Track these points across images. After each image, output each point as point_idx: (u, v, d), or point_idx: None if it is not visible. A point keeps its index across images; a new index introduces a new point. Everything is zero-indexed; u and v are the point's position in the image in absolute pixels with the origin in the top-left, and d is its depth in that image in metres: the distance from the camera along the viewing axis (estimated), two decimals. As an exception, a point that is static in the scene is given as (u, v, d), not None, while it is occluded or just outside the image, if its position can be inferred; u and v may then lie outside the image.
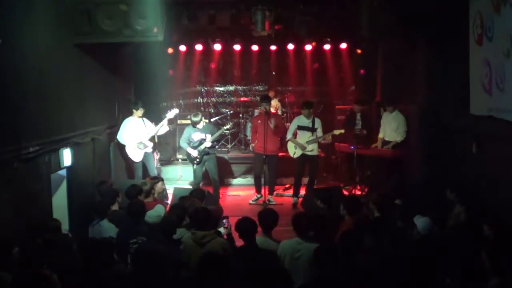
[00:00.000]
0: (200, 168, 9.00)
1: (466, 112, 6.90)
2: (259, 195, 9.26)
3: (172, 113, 8.99)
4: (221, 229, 5.42)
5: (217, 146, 9.44)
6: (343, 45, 11.75)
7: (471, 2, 6.74)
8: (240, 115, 12.26)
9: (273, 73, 12.95)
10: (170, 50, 11.85)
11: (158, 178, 7.51)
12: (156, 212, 5.57)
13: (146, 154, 8.82)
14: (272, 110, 10.46)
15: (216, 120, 12.14)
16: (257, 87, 13.10)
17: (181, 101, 12.82)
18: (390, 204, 5.96)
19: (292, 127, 9.19)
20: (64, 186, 6.82)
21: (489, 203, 6.01)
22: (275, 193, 9.41)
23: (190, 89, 13.03)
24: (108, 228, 5.76)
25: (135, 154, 8.71)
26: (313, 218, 5.12)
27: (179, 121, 11.20)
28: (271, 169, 9.12)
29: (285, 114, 11.79)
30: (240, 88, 13.12)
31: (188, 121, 10.53)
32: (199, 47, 11.80)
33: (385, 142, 9.10)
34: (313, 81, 12.79)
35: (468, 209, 5.69)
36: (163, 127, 8.87)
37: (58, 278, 4.04)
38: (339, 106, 11.79)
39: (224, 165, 10.66)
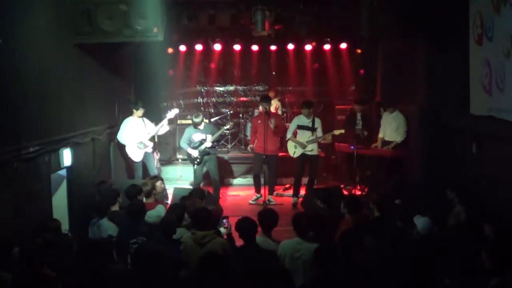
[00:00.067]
0: (201, 169, 9.00)
1: (466, 112, 6.90)
2: (258, 195, 9.26)
3: (172, 113, 9.00)
4: (222, 229, 5.42)
5: (217, 146, 9.43)
6: (343, 45, 11.75)
7: (471, 2, 6.74)
8: (240, 115, 12.26)
9: (273, 73, 12.94)
10: (170, 50, 11.85)
11: (157, 178, 7.51)
12: (156, 212, 5.58)
13: (146, 154, 8.82)
14: (272, 110, 10.46)
15: (216, 120, 12.14)
16: (257, 87, 13.09)
17: (181, 101, 12.81)
18: (390, 204, 5.96)
19: (292, 126, 9.19)
20: (64, 186, 6.82)
21: (489, 203, 6.01)
22: (275, 193, 9.41)
23: (190, 89, 13.03)
24: (107, 227, 5.76)
25: (135, 154, 8.71)
26: (313, 218, 5.12)
27: (179, 121, 11.20)
28: (271, 169, 9.12)
29: (285, 114, 11.78)
30: (240, 88, 13.12)
31: (188, 121, 10.56)
32: (199, 47, 11.80)
33: (385, 142, 9.10)
34: (313, 81, 12.78)
35: (468, 209, 5.70)
36: (163, 127, 8.87)
37: (58, 278, 4.04)
38: (339, 106, 11.79)
39: (224, 165, 10.65)
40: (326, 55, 12.16)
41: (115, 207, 6.27)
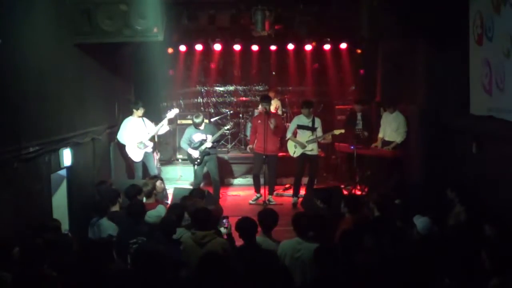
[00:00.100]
0: (201, 169, 9.00)
1: (466, 112, 6.90)
2: (258, 195, 9.27)
3: (172, 113, 9.00)
4: (222, 229, 5.43)
5: (217, 147, 9.42)
6: (343, 45, 11.75)
7: (471, 2, 6.74)
8: (240, 115, 12.26)
9: (273, 73, 12.94)
10: (170, 50, 11.85)
11: (157, 177, 7.51)
12: (156, 212, 5.58)
13: (146, 154, 8.82)
14: (272, 110, 10.47)
15: (216, 120, 12.14)
16: (257, 87, 13.09)
17: (181, 101, 12.81)
18: (390, 204, 5.96)
19: (292, 126, 9.20)
20: (64, 186, 6.82)
21: (489, 203, 6.01)
22: (275, 193, 9.41)
23: (190, 89, 13.03)
24: (107, 227, 5.76)
25: (135, 154, 8.71)
26: (313, 218, 5.12)
27: (179, 121, 11.20)
28: (271, 169, 9.12)
29: (285, 114, 11.79)
30: (240, 88, 13.12)
31: (188, 121, 10.56)
32: (199, 47, 11.80)
33: (385, 142, 9.10)
34: (313, 81, 12.78)
35: (468, 209, 5.70)
36: (163, 127, 8.87)
37: (58, 278, 4.04)
38: (339, 106, 11.79)
39: (224, 165, 10.65)
40: (326, 55, 12.16)
41: (116, 208, 6.27)
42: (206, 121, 9.71)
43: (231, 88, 13.13)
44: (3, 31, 5.13)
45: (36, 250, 4.21)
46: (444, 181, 6.77)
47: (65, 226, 6.17)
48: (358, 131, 9.40)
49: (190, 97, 13.02)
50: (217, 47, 11.69)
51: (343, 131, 8.95)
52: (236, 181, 10.93)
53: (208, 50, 12.03)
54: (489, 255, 3.82)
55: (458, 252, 4.12)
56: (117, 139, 8.73)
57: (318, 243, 4.52)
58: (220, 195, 9.27)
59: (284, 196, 9.66)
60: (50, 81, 6.33)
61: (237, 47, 11.86)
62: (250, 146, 9.43)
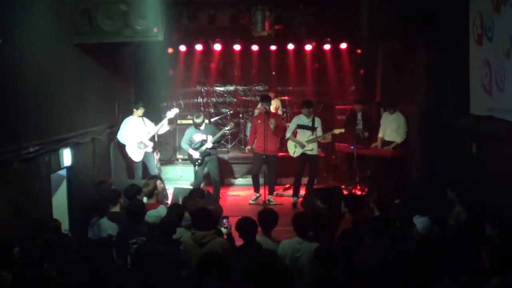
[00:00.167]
0: (202, 169, 9.00)
1: (466, 112, 6.90)
2: (258, 194, 9.28)
3: (172, 112, 9.00)
4: (222, 229, 5.43)
5: (217, 147, 9.42)
6: (343, 45, 11.75)
7: (471, 2, 6.74)
8: (240, 115, 12.26)
9: (273, 73, 12.94)
10: (170, 50, 11.85)
11: (156, 177, 7.51)
12: (156, 212, 5.57)
13: (146, 154, 8.82)
14: (272, 110, 10.47)
15: (216, 120, 12.14)
16: (257, 87, 13.09)
17: (181, 101, 12.81)
18: (390, 204, 5.96)
19: (291, 126, 9.20)
20: (64, 186, 6.82)
21: (489, 203, 6.01)
22: (275, 193, 9.41)
23: (190, 89, 13.02)
24: (107, 226, 5.76)
25: (135, 154, 8.72)
26: (313, 218, 5.12)
27: (179, 121, 11.21)
28: (271, 169, 9.12)
29: (285, 114, 11.79)
30: (240, 88, 13.12)
31: (188, 121, 10.57)
32: (199, 47, 11.80)
33: (385, 142, 9.10)
34: (313, 81, 12.78)
35: (468, 209, 5.70)
36: (163, 127, 8.88)
37: (58, 277, 4.04)
38: (339, 106, 11.79)
39: (224, 165, 10.65)
40: (326, 55, 12.16)
41: (116, 208, 6.26)
42: (206, 121, 9.71)
43: (231, 88, 13.13)
44: (3, 31, 5.13)
45: (36, 250, 4.21)
46: (444, 181, 6.77)
47: (65, 226, 6.18)
48: (358, 131, 9.40)
49: (190, 97, 13.02)
50: (217, 47, 11.69)
51: (343, 130, 8.96)
52: (236, 181, 10.93)
53: (208, 50, 12.03)
54: (489, 255, 3.82)
55: (458, 252, 4.12)
56: (117, 139, 8.73)
57: (318, 243, 4.52)
58: (220, 195, 9.27)
59: (284, 196, 9.66)
60: (50, 81, 6.33)
61: (237, 47, 11.86)
62: (249, 147, 9.44)
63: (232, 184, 10.81)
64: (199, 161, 8.84)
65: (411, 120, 8.73)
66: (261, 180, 9.31)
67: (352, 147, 9.12)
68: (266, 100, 9.21)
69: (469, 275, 3.81)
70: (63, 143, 6.54)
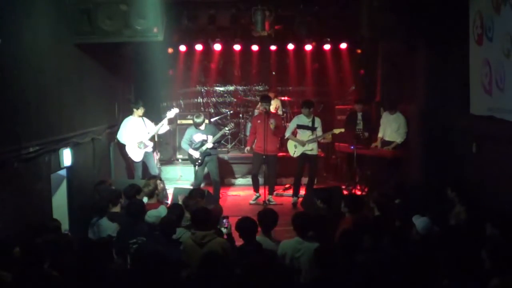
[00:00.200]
0: (202, 169, 9.00)
1: (466, 112, 6.89)
2: (257, 194, 9.28)
3: (172, 112, 9.00)
4: (223, 229, 5.43)
5: (218, 147, 9.42)
6: (343, 45, 11.73)
7: (471, 2, 6.73)
8: (240, 115, 12.26)
9: (273, 73, 12.93)
10: (170, 50, 11.85)
11: (156, 177, 7.51)
12: (156, 212, 5.57)
13: (146, 154, 8.83)
14: (272, 110, 10.47)
15: (216, 120, 12.14)
16: (257, 87, 13.09)
17: (181, 101, 12.81)
18: (391, 204, 5.96)
19: (291, 125, 9.20)
20: (64, 186, 6.83)
21: (490, 203, 6.00)
22: (275, 193, 9.41)
23: (190, 89, 13.02)
24: (107, 227, 5.76)
25: (135, 154, 8.72)
26: (313, 218, 5.12)
27: (179, 121, 11.21)
28: (271, 169, 9.12)
29: (285, 114, 11.79)
30: (240, 88, 13.12)
31: (188, 121, 10.57)
32: (199, 47, 11.79)
33: (385, 142, 9.10)
34: (313, 81, 12.78)
35: (469, 209, 5.69)
36: (163, 127, 8.88)
37: (58, 277, 4.04)
38: (339, 106, 11.79)
39: (224, 165, 10.65)
40: (326, 55, 12.14)
41: (117, 209, 6.25)
42: (207, 121, 9.71)
43: (231, 88, 13.13)
44: (3, 31, 5.13)
45: (36, 250, 4.21)
46: (444, 181, 6.76)
47: (65, 226, 6.18)
48: (358, 131, 9.40)
49: (190, 97, 13.02)
50: (217, 47, 11.68)
51: (343, 130, 8.96)
52: (236, 181, 10.93)
53: (208, 50, 12.02)
54: (489, 255, 3.82)
55: (458, 252, 4.11)
56: (117, 138, 8.73)
57: (318, 243, 4.53)
58: (220, 195, 9.27)
59: (284, 196, 9.66)
60: (50, 81, 6.33)
61: (237, 47, 11.85)
62: (248, 148, 9.43)
63: (232, 184, 10.81)
64: (199, 161, 8.84)
65: (411, 120, 8.73)
66: (261, 180, 9.31)
67: (352, 147, 9.13)
68: (266, 100, 9.21)
69: (469, 275, 3.80)
70: (63, 143, 6.54)
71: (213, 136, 8.81)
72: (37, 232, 5.01)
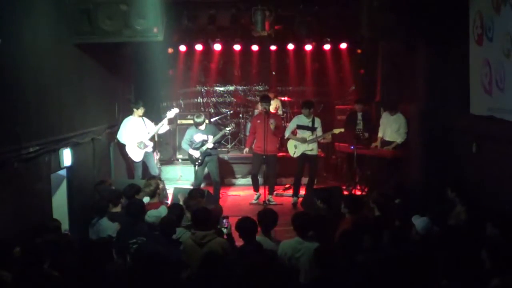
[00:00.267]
0: (202, 169, 9.00)
1: (466, 112, 6.90)
2: (258, 194, 9.28)
3: (172, 112, 9.01)
4: (224, 229, 5.43)
5: (218, 148, 9.41)
6: (343, 45, 11.73)
7: (471, 2, 6.74)
8: (240, 115, 12.26)
9: (273, 73, 12.93)
10: (170, 50, 11.84)
11: (155, 177, 7.51)
12: (156, 212, 5.57)
13: (146, 154, 8.83)
14: (272, 110, 10.47)
15: (216, 120, 12.14)
16: (257, 87, 13.09)
17: (181, 101, 12.81)
18: (391, 204, 5.96)
19: (291, 125, 9.20)
20: (64, 186, 6.83)
21: (490, 203, 6.01)
22: (275, 193, 9.41)
23: (190, 89, 13.02)
24: (107, 227, 5.76)
25: (135, 154, 8.72)
26: (313, 218, 5.12)
27: (179, 121, 11.21)
28: (271, 169, 9.12)
29: (285, 114, 11.79)
30: (240, 88, 13.11)
31: (188, 121, 10.57)
32: (199, 47, 11.78)
33: (385, 142, 9.09)
34: (313, 81, 12.77)
35: (469, 209, 5.69)
36: (163, 127, 8.89)
37: (58, 277, 4.04)
38: (339, 106, 11.80)
39: (224, 165, 10.65)
40: (326, 55, 12.14)
41: (117, 208, 6.25)
42: (207, 121, 9.71)
43: (231, 88, 13.13)
44: (3, 31, 5.13)
45: (36, 250, 4.21)
46: (444, 181, 6.76)
47: (65, 226, 6.18)
48: (359, 131, 9.40)
49: (190, 97, 13.02)
50: (217, 47, 11.68)
51: (342, 130, 8.96)
52: (236, 181, 10.93)
53: (208, 50, 12.01)
54: (490, 255, 3.82)
55: (458, 252, 4.11)
56: (117, 138, 8.73)
57: (318, 243, 4.53)
58: (220, 195, 9.27)
59: (284, 196, 9.66)
60: (50, 81, 6.33)
61: (237, 47, 11.85)
62: (247, 149, 9.43)
63: (232, 184, 10.81)
64: (200, 161, 8.84)
65: (411, 120, 8.73)
66: (261, 180, 9.31)
67: (352, 147, 9.12)
68: (266, 100, 9.21)
69: (469, 276, 3.80)
70: (63, 143, 6.54)
71: (214, 136, 8.81)
72: (37, 232, 5.01)
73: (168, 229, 5.05)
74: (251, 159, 9.55)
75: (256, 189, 9.31)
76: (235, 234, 5.02)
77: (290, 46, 11.93)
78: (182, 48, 11.89)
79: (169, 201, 7.76)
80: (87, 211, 6.47)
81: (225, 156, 11.16)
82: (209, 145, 8.77)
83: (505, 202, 5.70)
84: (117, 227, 5.72)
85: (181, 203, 6.37)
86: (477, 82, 6.60)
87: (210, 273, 3.91)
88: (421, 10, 7.26)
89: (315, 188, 8.57)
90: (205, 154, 8.82)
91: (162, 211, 5.75)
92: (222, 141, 11.08)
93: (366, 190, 9.18)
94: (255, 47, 11.98)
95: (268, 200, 9.06)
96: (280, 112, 11.37)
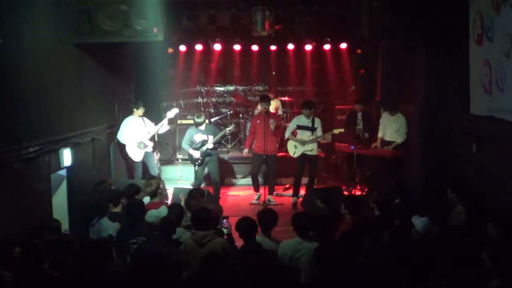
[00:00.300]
0: (202, 170, 9.00)
1: (466, 112, 6.90)
2: (258, 194, 9.28)
3: (172, 112, 9.01)
4: (224, 229, 5.43)
5: (218, 148, 9.41)
6: (343, 45, 11.72)
7: (471, 2, 6.74)
8: (240, 115, 12.26)
9: (273, 73, 12.92)
10: (170, 50, 11.84)
11: (155, 178, 7.51)
12: (157, 212, 5.57)
13: (146, 154, 8.83)
14: (272, 110, 10.47)
15: (216, 120, 12.14)
16: (257, 87, 13.09)
17: (181, 101, 12.80)
18: (391, 204, 5.96)
19: (291, 126, 9.20)
20: (64, 186, 6.83)
21: (490, 203, 6.01)
22: (275, 193, 9.41)
23: (190, 89, 13.01)
24: (107, 227, 5.75)
25: (135, 154, 8.72)
26: (313, 218, 5.12)
27: (179, 121, 11.20)
28: (271, 169, 9.12)
29: (285, 114, 11.79)
30: (240, 88, 13.11)
31: (188, 121, 10.57)
32: (199, 47, 11.78)
33: (385, 142, 9.09)
34: (313, 81, 12.76)
35: (469, 209, 5.69)
36: (163, 127, 8.89)
37: (58, 277, 4.04)
38: (339, 106, 11.79)
39: (224, 165, 10.65)
40: (326, 55, 12.14)
41: (118, 209, 6.25)
42: (207, 121, 9.71)
43: (231, 88, 13.12)
44: (3, 31, 5.13)
45: (36, 250, 4.21)
46: (444, 181, 6.76)
47: (65, 226, 6.18)
48: (359, 131, 9.40)
49: (190, 97, 13.01)
50: (217, 47, 11.68)
51: (342, 130, 8.96)
52: (236, 181, 10.93)
53: (208, 50, 12.01)
54: (490, 255, 3.82)
55: (458, 252, 4.12)
56: (117, 138, 8.74)
57: (318, 243, 4.52)
58: (220, 195, 9.27)
59: (284, 196, 9.66)
60: (50, 81, 6.33)
61: (237, 47, 11.84)
62: (246, 150, 9.42)
63: (232, 184, 10.81)
64: (200, 161, 8.84)
65: (411, 120, 8.73)
66: (261, 180, 9.30)
67: (352, 147, 9.12)
68: (266, 100, 9.21)
69: (469, 276, 3.80)
70: (63, 143, 6.54)
71: (214, 136, 8.81)
72: (37, 232, 5.01)
73: (168, 229, 5.05)
74: (251, 159, 9.55)
75: (256, 189, 9.31)
76: (235, 234, 5.01)
77: (290, 46, 11.93)
78: (182, 48, 11.88)
79: (169, 201, 7.76)
80: (87, 211, 6.47)
81: (225, 156, 11.16)
82: (209, 145, 8.77)
83: (505, 202, 5.70)
84: (117, 227, 5.72)
85: (182, 203, 6.37)
86: (477, 82, 6.60)
87: (210, 273, 3.91)
88: (421, 10, 7.26)
89: (315, 188, 8.57)
90: (205, 154, 8.82)
91: (162, 211, 5.75)
92: (222, 141, 11.08)
93: (366, 190, 9.18)
94: (255, 47, 11.97)
95: (268, 200, 9.06)
96: (280, 112, 11.37)
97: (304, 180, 9.28)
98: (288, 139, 9.22)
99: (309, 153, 8.98)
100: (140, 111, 8.77)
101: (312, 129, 8.95)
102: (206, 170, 9.09)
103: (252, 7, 9.93)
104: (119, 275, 4.17)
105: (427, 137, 8.05)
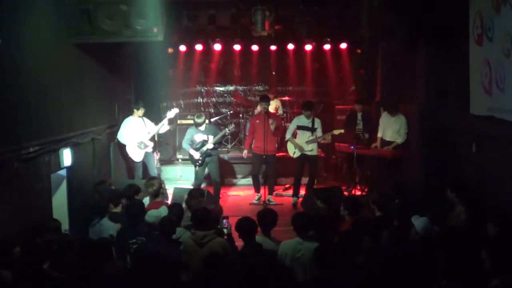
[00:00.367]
0: (202, 170, 9.00)
1: (466, 112, 6.90)
2: (259, 195, 9.28)
3: (172, 112, 9.01)
4: (224, 229, 5.43)
5: (218, 148, 9.41)
6: (343, 45, 11.73)
7: (471, 2, 6.74)
8: (240, 115, 12.26)
9: (273, 73, 12.92)
10: (170, 50, 11.84)
11: (155, 178, 7.50)
12: (157, 212, 5.57)
13: (146, 154, 8.83)
14: (272, 110, 10.47)
15: (216, 120, 12.14)
16: (257, 87, 13.09)
17: (181, 101, 12.80)
18: (391, 204, 5.96)
19: (291, 126, 9.20)
20: (64, 186, 6.83)
21: (490, 203, 6.01)
22: (275, 193, 9.42)
23: (190, 89, 13.01)
24: (108, 227, 5.75)
25: (135, 154, 8.72)
26: (313, 218, 5.12)
27: (179, 121, 11.21)
28: (271, 169, 9.12)
29: (285, 114, 11.79)
30: (240, 88, 13.11)
31: (188, 121, 10.57)
32: (199, 47, 11.78)
33: (385, 142, 9.09)
34: (313, 81, 12.76)
35: (469, 209, 5.69)
36: (163, 127, 8.89)
37: (58, 277, 4.04)
38: (339, 106, 11.80)
39: (224, 165, 10.65)
40: (326, 55, 12.14)
41: (118, 209, 6.24)
42: (207, 121, 9.71)
43: (231, 88, 13.12)
44: (3, 31, 5.13)
45: (36, 250, 4.21)
46: (444, 181, 6.76)
47: (65, 226, 6.18)
48: (359, 131, 9.40)
49: (190, 97, 13.01)
50: (217, 47, 11.68)
51: (342, 131, 8.96)
52: (236, 181, 10.93)
53: (208, 50, 12.01)
54: (490, 255, 3.82)
55: (458, 252, 4.12)
56: (117, 139, 8.74)
57: (318, 243, 4.52)
58: (220, 195, 9.27)
59: (284, 196, 9.66)
60: (50, 81, 6.33)
61: (237, 47, 11.84)
62: (245, 151, 9.41)
63: (232, 184, 10.81)
64: (200, 161, 8.84)
65: (411, 120, 8.73)
66: (261, 180, 9.31)
67: (352, 147, 9.13)
68: (266, 100, 9.21)
69: (469, 276, 3.80)
70: (63, 143, 6.54)
71: (214, 137, 8.81)
72: (37, 232, 5.01)
73: (168, 229, 5.05)
74: (251, 160, 9.55)
75: (257, 189, 9.31)
76: (235, 234, 5.01)
77: (290, 46, 11.93)
78: (182, 48, 11.89)
79: (169, 201, 7.76)
80: (87, 211, 6.47)
81: (225, 156, 11.16)
82: (210, 145, 8.77)
83: (505, 202, 5.70)
84: (118, 227, 5.72)
85: (184, 204, 6.37)
86: (477, 82, 6.60)
87: (210, 273, 3.91)
88: (421, 10, 7.27)
89: (315, 188, 8.57)
90: (206, 154, 8.82)
91: (162, 211, 5.74)
92: (222, 141, 11.08)
93: (366, 190, 9.18)
94: (255, 47, 11.98)
95: (268, 200, 9.06)
96: (280, 112, 11.37)
97: (304, 180, 9.28)
98: (288, 141, 9.22)
99: (309, 153, 8.98)
100: (141, 111, 8.77)
101: (312, 129, 8.96)
102: (206, 170, 9.09)
103: (252, 7, 9.93)
104: (119, 275, 4.17)
105: (427, 137, 8.05)
